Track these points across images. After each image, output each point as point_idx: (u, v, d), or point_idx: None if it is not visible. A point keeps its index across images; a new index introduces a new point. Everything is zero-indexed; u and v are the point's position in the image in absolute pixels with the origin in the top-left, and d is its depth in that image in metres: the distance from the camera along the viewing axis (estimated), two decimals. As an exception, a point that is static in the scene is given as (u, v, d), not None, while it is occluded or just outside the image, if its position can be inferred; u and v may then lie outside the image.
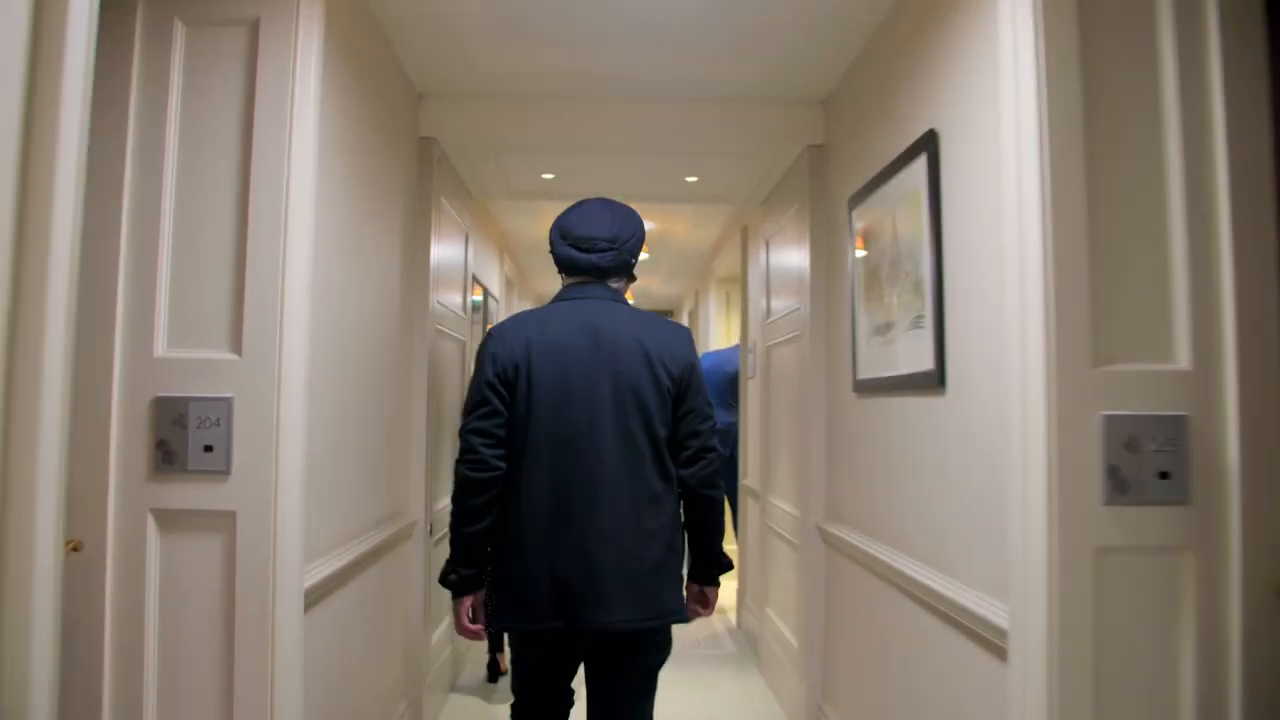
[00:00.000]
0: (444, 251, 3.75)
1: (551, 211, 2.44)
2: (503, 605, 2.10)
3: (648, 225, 6.33)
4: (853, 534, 2.98)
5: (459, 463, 2.11)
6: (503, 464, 2.09)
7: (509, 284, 6.92)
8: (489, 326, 4.61)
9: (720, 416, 4.30)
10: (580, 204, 2.30)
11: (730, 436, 5.25)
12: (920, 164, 2.33)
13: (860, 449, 2.95)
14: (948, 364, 2.19)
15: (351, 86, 2.54)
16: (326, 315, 2.35)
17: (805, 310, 3.50)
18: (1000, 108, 1.82)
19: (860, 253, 2.90)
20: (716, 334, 6.96)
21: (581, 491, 2.05)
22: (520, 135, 3.49)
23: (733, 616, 5.27)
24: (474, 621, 2.18)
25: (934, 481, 2.28)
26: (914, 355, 2.39)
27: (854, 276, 2.95)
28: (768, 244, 4.34)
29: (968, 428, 2.08)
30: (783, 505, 3.93)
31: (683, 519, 2.19)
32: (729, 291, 6.82)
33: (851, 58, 3.01)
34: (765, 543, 4.33)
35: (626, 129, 3.51)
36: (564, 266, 2.26)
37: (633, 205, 2.36)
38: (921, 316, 2.34)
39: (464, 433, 2.11)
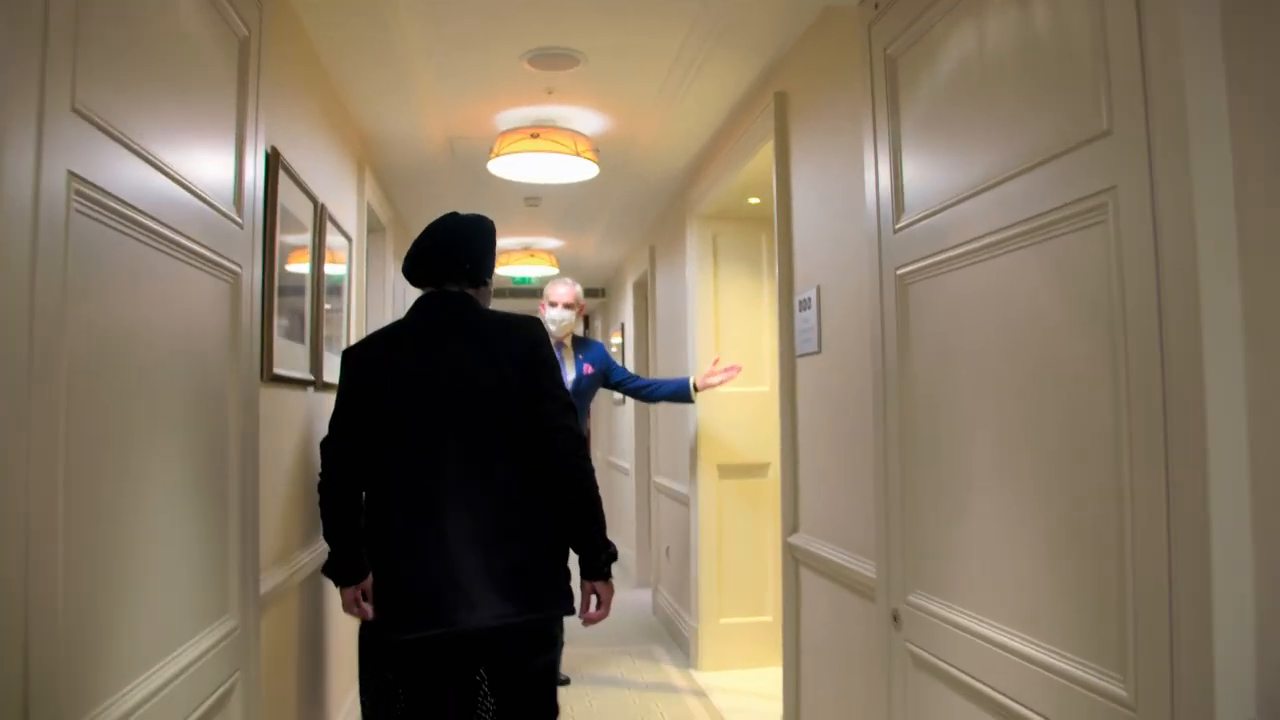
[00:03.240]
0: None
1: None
2: (381, 616, 2.15)
3: (597, 122, 3.88)
4: None
5: (320, 474, 2.24)
6: (350, 478, 2.18)
7: (378, 225, 4.43)
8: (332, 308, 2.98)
9: None
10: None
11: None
12: None
13: None
14: None
15: None
16: None
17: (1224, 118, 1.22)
18: None
19: None
20: (698, 309, 4.50)
21: (439, 499, 2.11)
22: None
23: None
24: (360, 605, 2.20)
25: None
26: None
27: None
28: (894, 65, 2.05)
29: None
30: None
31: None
32: (718, 234, 4.42)
33: None
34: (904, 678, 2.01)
35: None
36: (409, 275, 2.32)
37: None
38: None
39: (321, 444, 2.24)
